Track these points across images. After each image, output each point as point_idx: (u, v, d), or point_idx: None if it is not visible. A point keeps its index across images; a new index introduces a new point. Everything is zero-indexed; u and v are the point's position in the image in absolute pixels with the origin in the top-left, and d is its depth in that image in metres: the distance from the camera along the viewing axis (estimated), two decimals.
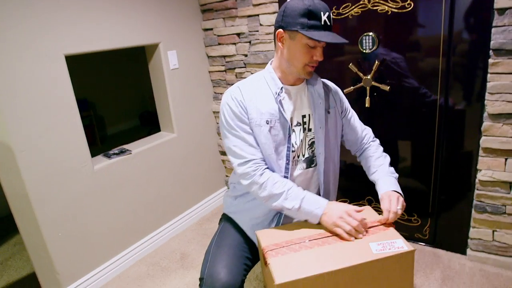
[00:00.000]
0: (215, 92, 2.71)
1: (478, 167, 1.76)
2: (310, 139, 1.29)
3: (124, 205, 2.15)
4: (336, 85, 1.42)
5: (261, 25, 2.25)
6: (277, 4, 2.14)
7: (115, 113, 5.43)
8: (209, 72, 2.66)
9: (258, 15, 2.24)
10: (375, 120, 2.02)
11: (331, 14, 1.13)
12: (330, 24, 1.13)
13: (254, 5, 2.23)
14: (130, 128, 5.62)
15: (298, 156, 1.28)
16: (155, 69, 2.35)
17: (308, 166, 1.30)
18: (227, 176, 2.93)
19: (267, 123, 1.20)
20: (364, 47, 1.90)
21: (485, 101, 1.65)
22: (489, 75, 1.61)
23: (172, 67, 2.34)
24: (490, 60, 1.59)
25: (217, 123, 2.76)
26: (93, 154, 2.01)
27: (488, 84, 1.62)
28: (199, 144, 2.65)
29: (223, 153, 2.83)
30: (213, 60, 2.60)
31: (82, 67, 4.49)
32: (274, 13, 2.17)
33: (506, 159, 1.68)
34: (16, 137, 1.62)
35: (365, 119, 2.07)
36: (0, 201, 2.75)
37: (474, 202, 1.82)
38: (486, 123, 1.68)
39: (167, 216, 2.45)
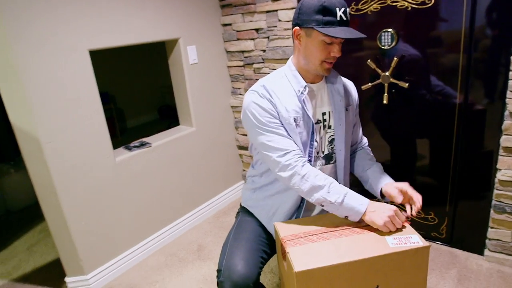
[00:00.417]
0: (233, 87, 2.74)
1: (498, 166, 1.73)
2: (330, 136, 1.30)
3: (144, 197, 2.21)
4: (354, 81, 1.43)
5: (279, 20, 2.26)
6: (295, 0, 2.15)
7: (135, 107, 5.55)
8: (228, 67, 2.69)
9: (276, 10, 2.25)
10: (393, 117, 2.01)
11: (347, 9, 1.11)
12: (347, 19, 1.12)
13: (273, 1, 2.23)
14: (149, 122, 5.74)
15: (318, 153, 1.29)
16: (175, 64, 2.39)
17: (327, 163, 1.32)
18: (244, 170, 2.96)
19: (295, 121, 1.21)
20: (383, 43, 1.89)
21: (506, 99, 1.62)
22: (511, 73, 1.58)
23: (191, 62, 2.38)
24: None
25: (235, 118, 2.79)
26: (114, 146, 2.07)
27: (510, 82, 1.59)
28: (217, 138, 2.69)
29: (241, 147, 2.86)
30: (231, 55, 2.63)
31: (103, 61, 4.58)
32: (292, 8, 2.17)
33: None
34: (43, 129, 1.70)
35: (383, 116, 2.07)
36: (28, 190, 2.88)
37: (493, 202, 1.80)
38: (507, 122, 1.64)
39: (185, 209, 2.51)
